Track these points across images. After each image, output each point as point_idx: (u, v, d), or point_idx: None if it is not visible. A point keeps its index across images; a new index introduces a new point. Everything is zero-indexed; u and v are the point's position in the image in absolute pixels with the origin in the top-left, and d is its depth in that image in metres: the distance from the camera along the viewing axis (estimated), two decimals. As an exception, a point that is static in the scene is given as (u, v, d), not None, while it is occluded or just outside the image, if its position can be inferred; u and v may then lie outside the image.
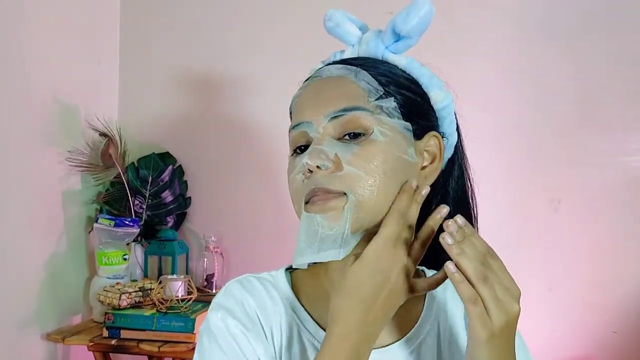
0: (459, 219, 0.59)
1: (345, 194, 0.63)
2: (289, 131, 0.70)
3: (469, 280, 0.56)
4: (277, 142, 1.96)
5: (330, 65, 0.71)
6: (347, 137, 0.65)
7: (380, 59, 0.71)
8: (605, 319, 1.76)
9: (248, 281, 0.72)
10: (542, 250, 1.80)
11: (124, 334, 1.54)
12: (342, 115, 0.65)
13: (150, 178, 1.92)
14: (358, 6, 1.81)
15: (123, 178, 1.87)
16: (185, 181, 1.99)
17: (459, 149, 0.75)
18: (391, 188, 0.64)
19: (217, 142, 1.99)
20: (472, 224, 0.73)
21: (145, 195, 1.91)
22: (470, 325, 0.58)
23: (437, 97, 0.71)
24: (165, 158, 1.96)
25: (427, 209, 0.67)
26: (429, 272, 0.75)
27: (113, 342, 1.53)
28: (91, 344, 1.54)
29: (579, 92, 1.79)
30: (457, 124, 0.75)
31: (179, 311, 1.54)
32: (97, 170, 1.84)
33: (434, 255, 0.68)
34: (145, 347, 1.50)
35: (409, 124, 0.67)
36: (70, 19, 1.77)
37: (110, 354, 1.60)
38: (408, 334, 0.70)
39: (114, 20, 2.03)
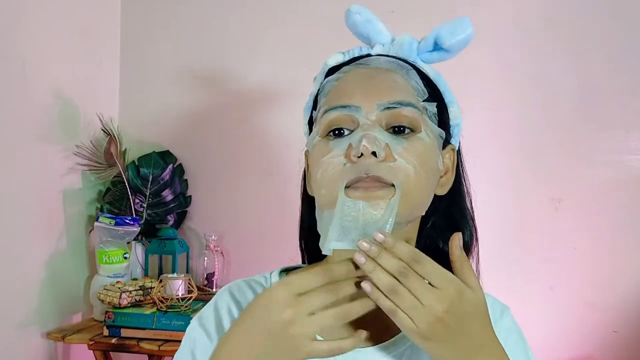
0: (380, 234, 0.57)
1: (393, 185, 0.62)
2: (324, 112, 0.67)
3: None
4: (278, 140, 1.96)
5: (379, 57, 0.70)
6: (393, 130, 0.65)
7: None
8: (605, 318, 1.76)
9: (238, 287, 0.74)
10: (543, 250, 1.80)
11: (125, 332, 1.54)
12: (397, 107, 0.64)
13: (151, 177, 1.92)
14: (359, 4, 1.82)
15: (124, 177, 1.87)
16: (186, 180, 1.99)
17: (460, 169, 0.76)
18: (429, 188, 0.66)
19: (217, 140, 1.99)
20: (471, 246, 0.75)
21: (145, 194, 1.91)
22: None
23: (455, 114, 0.72)
24: (166, 157, 1.96)
25: (428, 224, 0.71)
26: None
27: (113, 340, 1.53)
28: (91, 342, 1.54)
29: (580, 90, 1.79)
30: (459, 148, 0.76)
31: (179, 310, 1.54)
32: (100, 169, 1.85)
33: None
34: (145, 345, 1.50)
35: (443, 131, 0.69)
36: (70, 18, 1.77)
37: (110, 352, 1.60)
38: (395, 337, 0.69)
39: (114, 19, 2.03)
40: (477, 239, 0.77)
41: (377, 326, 0.66)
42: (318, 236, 0.66)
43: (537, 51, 1.82)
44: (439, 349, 0.58)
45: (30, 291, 1.61)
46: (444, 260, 0.75)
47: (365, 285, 0.57)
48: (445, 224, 0.74)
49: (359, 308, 0.57)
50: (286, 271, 0.76)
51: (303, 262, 0.82)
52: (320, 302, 0.56)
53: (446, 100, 0.72)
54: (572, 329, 1.77)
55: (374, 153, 0.61)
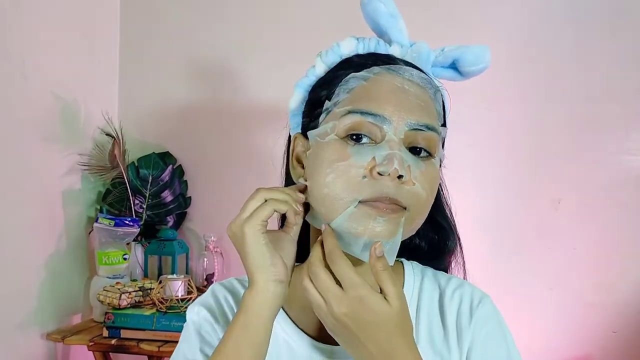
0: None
1: (405, 208, 0.62)
2: (348, 111, 0.63)
3: None
4: (278, 142, 1.96)
5: (411, 68, 0.67)
6: (410, 149, 0.64)
7: None
8: (605, 319, 1.76)
9: (230, 283, 0.77)
10: (543, 250, 1.80)
11: (124, 333, 1.54)
12: (423, 131, 0.63)
13: (151, 178, 1.92)
14: (359, 5, 1.82)
15: (125, 178, 1.87)
16: (186, 181, 1.98)
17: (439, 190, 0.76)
18: (429, 209, 0.67)
19: (217, 141, 1.99)
20: (455, 251, 0.78)
21: (145, 195, 1.91)
22: None
23: (444, 133, 0.71)
24: (166, 158, 1.96)
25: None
26: (407, 264, 0.76)
27: (113, 341, 1.53)
28: (91, 343, 1.54)
29: (580, 90, 1.79)
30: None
31: (178, 311, 1.54)
32: (104, 171, 1.85)
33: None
34: (145, 346, 1.50)
35: (444, 154, 0.70)
36: (70, 17, 1.77)
37: (110, 353, 1.60)
38: None
39: (113, 18, 2.03)
40: (460, 245, 0.79)
41: None
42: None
43: (537, 51, 1.82)
44: (345, 347, 0.62)
45: (29, 292, 1.60)
46: (428, 259, 0.78)
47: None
48: (430, 230, 0.76)
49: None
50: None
51: None
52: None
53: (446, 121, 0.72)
54: (571, 329, 1.77)
55: (399, 176, 0.60)
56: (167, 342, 1.51)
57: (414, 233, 0.68)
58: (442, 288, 0.74)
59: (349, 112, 0.63)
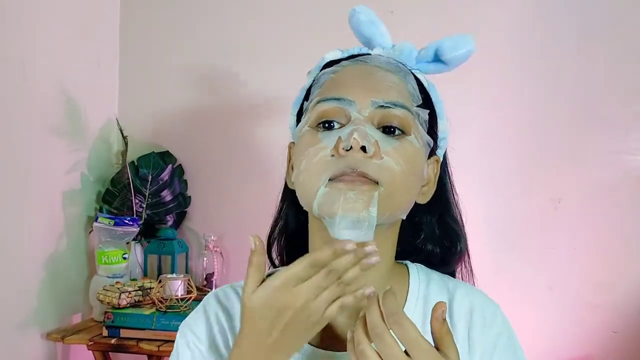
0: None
1: (377, 183, 0.61)
2: (316, 102, 0.66)
3: None
4: (277, 141, 1.96)
5: (379, 56, 0.70)
6: (383, 129, 0.64)
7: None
8: (605, 319, 1.76)
9: (224, 293, 0.74)
10: (542, 250, 1.79)
11: (124, 333, 1.54)
12: (391, 107, 0.64)
13: (150, 177, 1.92)
14: (359, 5, 1.82)
15: (129, 177, 1.87)
16: (185, 180, 1.98)
17: (446, 184, 0.76)
18: (413, 192, 0.66)
19: (217, 141, 1.99)
20: (464, 254, 0.76)
21: (145, 194, 1.91)
22: None
23: (443, 127, 0.72)
24: (165, 157, 1.96)
25: (414, 230, 0.73)
26: (413, 267, 0.75)
27: (113, 341, 1.53)
28: (91, 343, 1.54)
29: (580, 90, 1.79)
30: (445, 156, 0.76)
31: (178, 310, 1.54)
32: (115, 173, 1.87)
33: (411, 245, 0.74)
34: (144, 346, 1.50)
35: (431, 140, 0.69)
36: (70, 18, 1.77)
37: (109, 353, 1.60)
38: None
39: (114, 19, 2.03)
40: (468, 250, 0.78)
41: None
42: (300, 237, 0.68)
43: (537, 51, 1.82)
44: None
45: (29, 292, 1.60)
46: (436, 263, 0.76)
47: (367, 289, 0.56)
48: (439, 232, 0.75)
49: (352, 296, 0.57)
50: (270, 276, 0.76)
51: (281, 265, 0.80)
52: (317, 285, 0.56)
53: (437, 112, 0.72)
54: (571, 329, 1.77)
55: (363, 148, 0.60)
56: (166, 341, 1.51)
57: (401, 214, 0.66)
58: (450, 293, 0.72)
59: (318, 102, 0.66)
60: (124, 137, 1.85)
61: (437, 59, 0.71)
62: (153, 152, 1.96)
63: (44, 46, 1.64)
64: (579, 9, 1.80)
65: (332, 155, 0.62)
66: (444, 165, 0.76)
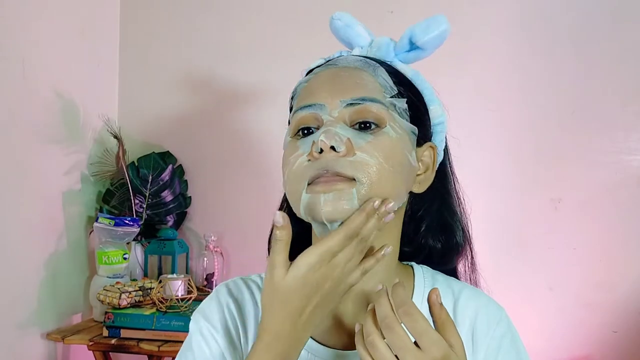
0: (399, 289, 0.57)
1: (354, 179, 0.62)
2: (293, 112, 0.69)
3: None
4: (278, 141, 1.96)
5: (348, 56, 0.71)
6: (358, 126, 0.65)
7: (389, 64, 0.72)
8: (605, 319, 1.76)
9: (235, 284, 0.76)
10: (543, 250, 1.80)
11: (124, 333, 1.54)
12: (360, 104, 0.65)
13: (151, 177, 1.92)
14: (359, 5, 1.82)
15: (126, 178, 1.87)
16: (186, 180, 1.99)
17: (447, 169, 0.76)
18: (397, 182, 0.65)
19: (217, 141, 1.99)
20: (463, 247, 0.76)
21: (145, 195, 1.91)
22: None
23: (436, 112, 0.72)
24: (166, 157, 1.96)
25: (416, 224, 0.73)
26: (418, 268, 0.75)
27: (113, 341, 1.53)
28: (91, 343, 1.54)
29: (580, 91, 1.79)
30: (446, 144, 0.76)
31: (178, 310, 1.54)
32: (111, 174, 1.86)
33: (414, 241, 0.75)
34: (145, 346, 1.50)
35: (415, 127, 0.68)
36: (70, 18, 1.77)
37: (110, 353, 1.60)
38: None
39: (114, 20, 2.03)
40: (469, 240, 0.78)
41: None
42: (301, 240, 0.68)
43: (537, 52, 1.82)
44: None
45: (30, 292, 1.60)
46: (437, 260, 0.76)
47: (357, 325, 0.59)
48: (437, 224, 0.75)
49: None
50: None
51: None
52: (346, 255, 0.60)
53: (425, 99, 0.72)
54: (571, 329, 1.77)
55: (332, 148, 0.62)
56: (167, 341, 1.50)
57: (390, 207, 0.66)
58: (455, 295, 0.73)
59: (295, 112, 0.68)
60: (117, 137, 1.84)
61: (413, 46, 0.71)
62: (153, 152, 1.96)
63: (43, 46, 1.64)
64: (578, 8, 1.80)
65: (309, 160, 0.63)
66: (444, 154, 0.75)
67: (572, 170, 1.79)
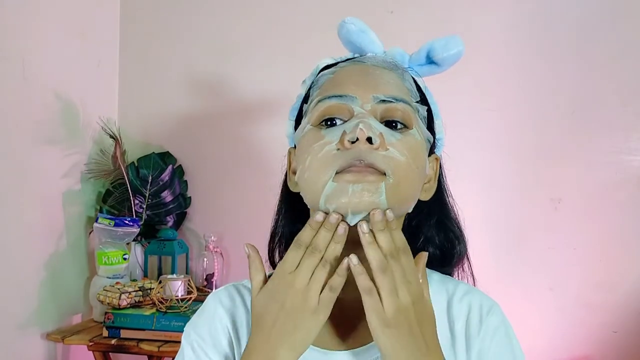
0: (389, 212, 0.60)
1: (384, 174, 0.61)
2: (317, 101, 0.67)
3: (372, 270, 0.59)
4: (277, 141, 1.96)
5: (376, 56, 0.72)
6: (386, 124, 0.65)
7: None
8: (605, 319, 1.76)
9: (226, 293, 0.76)
10: (543, 250, 1.80)
11: (124, 333, 1.54)
12: (392, 102, 0.65)
13: (151, 178, 1.92)
14: (359, 5, 1.82)
15: (125, 178, 1.87)
16: (186, 181, 1.98)
17: (443, 183, 0.77)
18: (418, 184, 0.66)
19: (217, 141, 1.99)
20: (464, 255, 0.78)
21: (145, 195, 1.91)
22: (366, 317, 0.59)
23: (439, 128, 0.74)
24: (166, 158, 1.96)
25: (412, 239, 0.73)
26: None
27: (113, 341, 1.53)
28: (91, 343, 1.54)
29: (580, 91, 1.79)
30: (440, 162, 0.77)
31: (178, 311, 1.54)
32: (108, 174, 1.86)
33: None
34: (145, 346, 1.50)
35: (431, 136, 0.70)
36: (70, 18, 1.77)
37: (110, 353, 1.60)
38: (367, 345, 0.69)
39: (114, 20, 2.03)
40: (467, 250, 0.79)
41: (350, 332, 0.68)
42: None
43: (537, 52, 1.82)
44: (394, 340, 0.59)
45: (29, 292, 1.60)
46: (439, 269, 0.77)
47: (352, 258, 0.59)
48: (440, 236, 0.76)
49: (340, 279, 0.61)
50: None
51: None
52: (309, 271, 0.60)
53: (433, 112, 0.73)
54: (571, 329, 1.77)
55: (369, 139, 0.61)
56: (167, 342, 1.50)
57: (407, 208, 0.66)
58: (449, 293, 0.73)
59: (319, 101, 0.67)
60: (113, 137, 1.84)
61: (429, 60, 0.72)
62: (153, 152, 1.96)
63: (43, 46, 1.64)
64: (578, 8, 1.80)
65: (338, 149, 0.62)
66: (440, 167, 0.76)
67: (572, 170, 1.79)
